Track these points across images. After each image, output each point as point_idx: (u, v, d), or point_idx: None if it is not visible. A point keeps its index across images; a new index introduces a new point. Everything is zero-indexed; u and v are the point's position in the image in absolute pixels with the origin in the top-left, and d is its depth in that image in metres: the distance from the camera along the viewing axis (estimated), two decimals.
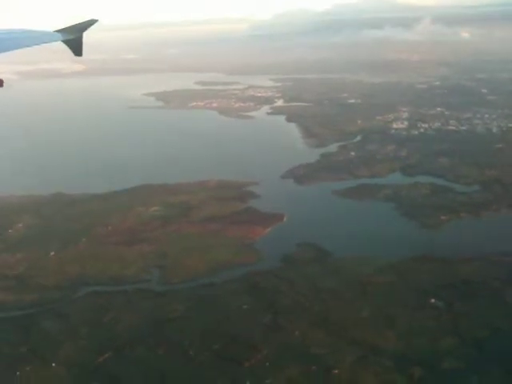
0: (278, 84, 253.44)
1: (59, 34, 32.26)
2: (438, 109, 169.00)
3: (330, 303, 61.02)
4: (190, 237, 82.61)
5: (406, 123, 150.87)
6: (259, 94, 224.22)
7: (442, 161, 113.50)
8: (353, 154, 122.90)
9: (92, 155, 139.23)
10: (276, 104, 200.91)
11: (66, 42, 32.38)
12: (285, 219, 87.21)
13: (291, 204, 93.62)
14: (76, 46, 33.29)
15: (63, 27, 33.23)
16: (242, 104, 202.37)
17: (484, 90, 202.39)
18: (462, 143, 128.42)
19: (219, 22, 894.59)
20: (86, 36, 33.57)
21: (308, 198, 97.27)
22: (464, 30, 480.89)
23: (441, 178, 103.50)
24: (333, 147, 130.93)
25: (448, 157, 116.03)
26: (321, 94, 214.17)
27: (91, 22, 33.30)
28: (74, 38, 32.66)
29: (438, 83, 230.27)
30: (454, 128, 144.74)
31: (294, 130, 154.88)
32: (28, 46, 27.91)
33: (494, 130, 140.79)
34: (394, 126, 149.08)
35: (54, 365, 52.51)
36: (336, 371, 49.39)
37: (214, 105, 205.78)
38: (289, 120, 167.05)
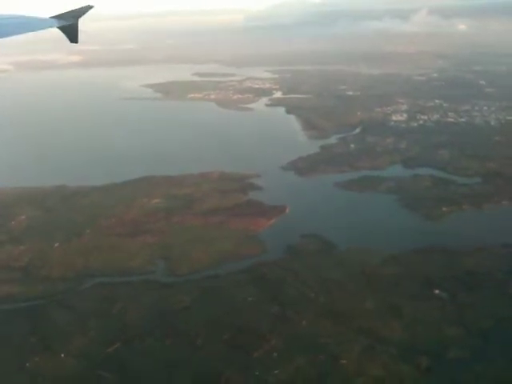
0: (276, 76, 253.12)
1: (55, 21, 32.03)
2: (437, 101, 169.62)
3: (336, 294, 61.62)
4: (193, 229, 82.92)
5: (405, 115, 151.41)
6: (257, 86, 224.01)
7: (442, 153, 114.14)
8: (353, 146, 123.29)
9: (92, 147, 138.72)
10: (274, 96, 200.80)
11: (61, 28, 32.15)
12: (287, 211, 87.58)
13: (293, 196, 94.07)
14: (71, 33, 32.97)
15: (59, 13, 32.97)
16: (240, 96, 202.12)
17: (482, 82, 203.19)
18: (461, 135, 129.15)
19: (215, 13, 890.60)
20: (82, 26, 33.37)
21: (310, 190, 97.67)
22: (460, 21, 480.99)
23: (441, 170, 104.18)
24: (333, 139, 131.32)
25: (448, 149, 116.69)
26: (319, 85, 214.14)
27: (87, 8, 33.01)
28: (69, 25, 32.44)
29: (435, 75, 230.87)
30: (452, 120, 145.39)
31: (293, 121, 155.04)
32: (23, 33, 27.65)
33: (493, 122, 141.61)
34: (394, 118, 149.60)
35: (63, 355, 52.90)
36: (344, 361, 50.04)
37: (213, 96, 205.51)
38: (288, 112, 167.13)
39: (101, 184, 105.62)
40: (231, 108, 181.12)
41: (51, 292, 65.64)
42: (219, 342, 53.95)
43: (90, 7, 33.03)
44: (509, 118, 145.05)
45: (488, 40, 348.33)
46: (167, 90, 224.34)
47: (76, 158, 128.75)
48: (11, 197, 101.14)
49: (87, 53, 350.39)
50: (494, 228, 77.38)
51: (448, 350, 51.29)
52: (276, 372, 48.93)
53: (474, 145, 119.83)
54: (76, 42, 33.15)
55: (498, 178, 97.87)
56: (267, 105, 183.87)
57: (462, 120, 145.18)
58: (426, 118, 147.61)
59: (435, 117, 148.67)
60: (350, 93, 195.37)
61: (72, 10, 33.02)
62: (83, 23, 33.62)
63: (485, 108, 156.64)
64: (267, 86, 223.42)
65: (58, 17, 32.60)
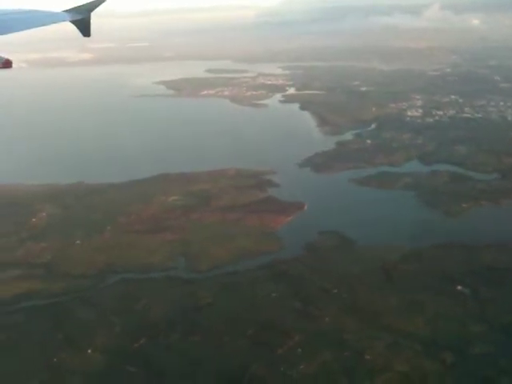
0: (288, 72, 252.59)
1: (67, 14, 32.01)
2: (452, 96, 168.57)
3: (358, 290, 61.83)
4: (212, 225, 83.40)
5: (420, 111, 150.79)
6: (270, 82, 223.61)
7: (459, 149, 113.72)
8: (369, 142, 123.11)
9: (107, 144, 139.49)
10: (288, 92, 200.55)
11: (74, 22, 32.13)
12: (305, 208, 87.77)
13: (310, 193, 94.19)
14: (84, 27, 32.90)
15: (71, 7, 32.86)
16: (253, 92, 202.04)
17: (497, 78, 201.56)
18: (477, 131, 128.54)
19: (225, 9, 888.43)
20: (94, 24, 33.41)
21: (327, 187, 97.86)
22: (474, 16, 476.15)
23: (459, 166, 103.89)
24: (348, 135, 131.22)
25: (465, 145, 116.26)
26: (332, 81, 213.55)
27: (100, 1, 32.83)
28: (82, 18, 32.37)
29: (449, 70, 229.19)
30: (468, 116, 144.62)
31: (308, 118, 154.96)
32: (36, 27, 27.74)
33: (509, 117, 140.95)
34: (409, 113, 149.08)
35: (89, 351, 53.58)
36: (368, 356, 50.27)
37: (226, 93, 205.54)
38: (302, 108, 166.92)
39: (117, 181, 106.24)
40: (245, 104, 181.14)
41: (74, 289, 66.30)
42: (243, 338, 54.38)
43: (102, 0, 32.80)
44: None
45: (502, 35, 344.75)
46: (180, 86, 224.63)
47: (92, 155, 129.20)
48: (29, 194, 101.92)
49: (99, 50, 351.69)
50: None
51: (472, 346, 51.41)
52: (301, 367, 49.29)
53: (490, 140, 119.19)
54: (88, 35, 33.06)
55: None
56: (281, 101, 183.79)
57: (478, 115, 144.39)
58: (441, 113, 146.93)
59: (451, 112, 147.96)
60: (364, 88, 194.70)
61: (85, 4, 32.94)
62: (95, 21, 33.70)
63: (501, 103, 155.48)
64: (280, 82, 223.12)
65: (71, 10, 32.52)
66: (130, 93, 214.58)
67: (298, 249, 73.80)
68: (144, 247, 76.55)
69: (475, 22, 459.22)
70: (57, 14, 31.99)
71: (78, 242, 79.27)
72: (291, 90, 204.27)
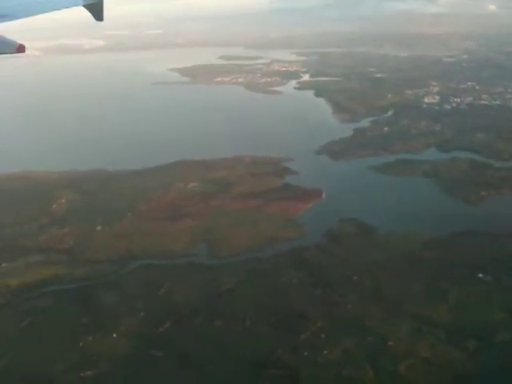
0: (302, 58, 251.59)
1: None
2: (469, 83, 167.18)
3: (380, 277, 62.00)
4: (232, 212, 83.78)
5: (437, 98, 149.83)
6: (284, 69, 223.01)
7: (478, 136, 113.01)
8: (386, 129, 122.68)
9: (124, 131, 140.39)
10: (302, 79, 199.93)
11: (86, 6, 31.86)
12: (324, 195, 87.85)
13: (329, 180, 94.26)
14: (97, 11, 32.59)
15: None
16: (268, 79, 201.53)
17: None
18: (496, 118, 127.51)
19: None
20: (108, 11, 33.06)
21: (345, 174, 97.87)
22: (490, 1, 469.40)
23: (478, 153, 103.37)
24: (365, 122, 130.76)
25: (483, 132, 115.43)
26: (347, 68, 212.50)
27: None
28: (94, 2, 32.18)
29: (465, 57, 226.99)
30: (486, 103, 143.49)
31: (323, 105, 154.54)
32: (49, 11, 27.62)
33: None
34: (426, 100, 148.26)
35: (115, 335, 54.35)
36: (391, 343, 50.57)
37: (240, 80, 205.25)
38: (317, 95, 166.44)
39: (136, 168, 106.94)
40: (260, 91, 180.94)
41: (97, 274, 67.11)
42: (266, 323, 54.84)
43: None
44: None
45: None
46: (194, 73, 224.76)
47: (110, 142, 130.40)
48: (49, 181, 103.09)
49: (113, 37, 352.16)
50: None
51: (494, 333, 51.40)
52: (325, 353, 49.70)
53: (509, 128, 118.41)
54: (101, 19, 32.78)
55: None
56: (296, 88, 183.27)
57: (496, 102, 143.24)
58: (458, 100, 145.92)
59: (468, 99, 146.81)
60: (379, 75, 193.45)
61: None
62: (108, 8, 33.50)
63: None
64: (294, 68, 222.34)
65: None
66: (145, 80, 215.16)
67: (318, 236, 74.01)
68: (165, 234, 77.18)
69: (491, 7, 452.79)
70: None
71: (98, 228, 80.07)
72: (306, 77, 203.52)
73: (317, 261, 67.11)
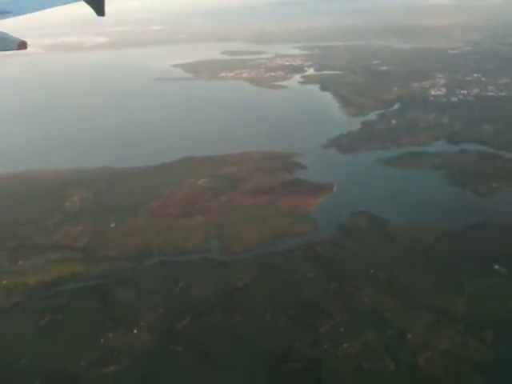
0: (305, 52, 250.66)
1: None
2: (475, 75, 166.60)
3: (394, 271, 62.40)
4: (243, 208, 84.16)
5: (443, 90, 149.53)
6: (288, 63, 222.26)
7: (487, 128, 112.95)
8: (394, 122, 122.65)
9: (129, 128, 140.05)
10: (307, 73, 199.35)
11: (87, 1, 31.53)
12: (335, 189, 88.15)
13: (339, 174, 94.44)
14: (98, 5, 32.08)
15: None
16: (272, 73, 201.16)
17: None
18: (503, 109, 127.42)
19: None
20: (108, 8, 32.92)
21: (355, 168, 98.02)
22: None
23: (487, 145, 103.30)
24: (372, 115, 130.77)
25: (491, 123, 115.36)
26: (351, 61, 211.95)
27: None
28: None
29: (469, 48, 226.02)
30: (493, 94, 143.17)
31: (329, 98, 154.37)
32: (50, 7, 27.36)
33: None
34: (432, 92, 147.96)
35: (135, 331, 54.92)
36: (410, 335, 51.04)
37: (244, 75, 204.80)
38: (323, 89, 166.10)
39: (143, 165, 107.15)
40: (264, 86, 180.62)
41: (113, 271, 67.59)
42: (284, 317, 55.35)
43: None
44: None
45: None
46: (197, 69, 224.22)
47: (116, 139, 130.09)
48: (59, 179, 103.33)
49: (115, 34, 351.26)
50: None
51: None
52: (345, 346, 50.19)
53: None
54: (103, 15, 32.30)
55: None
56: (300, 82, 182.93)
57: (503, 94, 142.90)
58: (465, 92, 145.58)
59: (475, 91, 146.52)
60: (384, 68, 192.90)
61: None
62: (109, 4, 33.26)
63: None
64: (298, 62, 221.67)
65: None
66: (148, 76, 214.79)
67: (331, 230, 74.35)
68: (178, 230, 77.62)
69: None
70: None
71: (112, 225, 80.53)
72: (310, 71, 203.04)
73: (330, 255, 67.50)
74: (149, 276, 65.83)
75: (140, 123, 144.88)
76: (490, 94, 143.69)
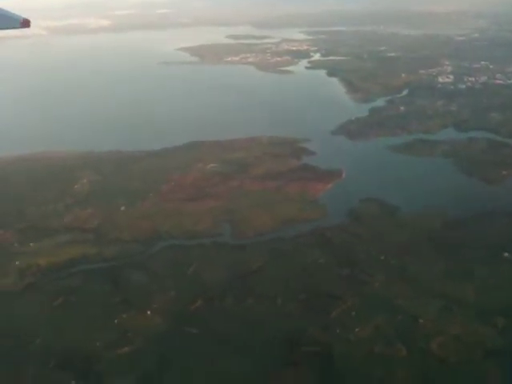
0: (311, 37, 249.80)
1: None
2: (482, 62, 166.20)
3: (405, 257, 62.81)
4: (252, 193, 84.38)
5: (451, 77, 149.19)
6: (294, 48, 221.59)
7: (495, 115, 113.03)
8: (402, 108, 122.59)
9: (137, 111, 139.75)
10: (313, 58, 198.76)
11: None
12: (343, 175, 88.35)
13: (347, 160, 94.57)
14: None
15: None
16: (278, 58, 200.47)
17: None
18: (511, 97, 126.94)
19: None
20: None
21: (364, 154, 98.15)
22: None
23: (495, 133, 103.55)
24: (380, 102, 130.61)
25: (499, 111, 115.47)
26: (357, 47, 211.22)
27: None
28: None
29: (476, 35, 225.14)
30: (501, 82, 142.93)
31: (336, 84, 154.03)
32: None
33: None
34: (440, 79, 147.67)
35: (149, 313, 55.47)
36: (421, 320, 51.57)
37: (250, 59, 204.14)
38: (330, 74, 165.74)
39: (153, 149, 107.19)
40: (271, 71, 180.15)
41: (124, 254, 67.93)
42: (296, 302, 55.74)
43: None
44: None
45: None
46: (203, 53, 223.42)
47: (123, 122, 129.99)
48: (68, 161, 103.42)
49: (119, 17, 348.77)
50: None
51: None
52: (357, 330, 50.71)
53: None
54: None
55: None
56: (307, 67, 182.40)
57: (511, 82, 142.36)
58: (473, 79, 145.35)
59: (483, 79, 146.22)
60: (391, 54, 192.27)
61: None
62: None
63: None
64: (304, 47, 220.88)
65: None
66: (155, 60, 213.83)
67: (340, 216, 74.65)
68: (188, 214, 77.90)
69: None
70: None
71: (122, 208, 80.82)
72: (317, 56, 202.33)
73: (340, 241, 67.88)
74: (160, 259, 66.18)
75: (147, 107, 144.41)
76: (498, 81, 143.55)
